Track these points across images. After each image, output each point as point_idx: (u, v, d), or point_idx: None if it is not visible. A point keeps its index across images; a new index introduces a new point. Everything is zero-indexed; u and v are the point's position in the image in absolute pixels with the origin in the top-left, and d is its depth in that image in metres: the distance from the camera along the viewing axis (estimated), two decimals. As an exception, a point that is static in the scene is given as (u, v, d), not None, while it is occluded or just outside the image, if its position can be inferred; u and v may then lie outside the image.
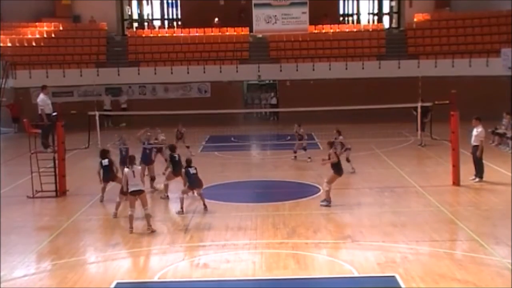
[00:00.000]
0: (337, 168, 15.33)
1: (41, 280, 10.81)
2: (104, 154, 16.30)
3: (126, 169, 13.57)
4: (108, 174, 16.21)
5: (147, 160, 17.66)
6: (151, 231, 13.27)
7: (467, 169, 17.90)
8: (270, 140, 25.79)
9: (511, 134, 22.32)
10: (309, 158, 21.13)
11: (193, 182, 15.17)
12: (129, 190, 13.41)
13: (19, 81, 34.18)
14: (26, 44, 36.32)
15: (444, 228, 13.33)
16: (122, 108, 33.96)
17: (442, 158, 20.67)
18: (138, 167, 13.81)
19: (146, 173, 17.51)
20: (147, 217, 13.44)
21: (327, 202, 15.21)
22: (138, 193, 13.40)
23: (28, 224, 14.58)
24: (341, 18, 41.21)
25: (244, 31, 37.93)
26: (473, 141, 17.62)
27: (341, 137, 19.00)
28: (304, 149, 21.63)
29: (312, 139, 23.31)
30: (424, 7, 38.66)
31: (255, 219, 14.25)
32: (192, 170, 15.23)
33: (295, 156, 21.65)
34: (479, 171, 17.62)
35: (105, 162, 16.14)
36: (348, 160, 18.94)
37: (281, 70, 35.57)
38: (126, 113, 31.74)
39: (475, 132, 17.57)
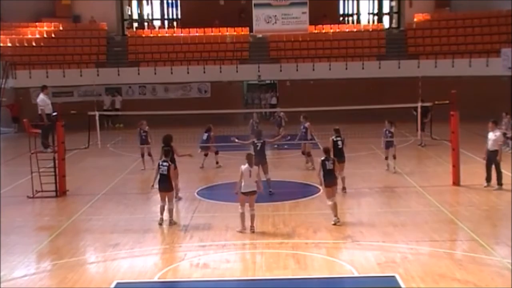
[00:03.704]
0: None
1: (41, 280, 10.81)
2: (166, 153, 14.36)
3: (243, 167, 13.10)
4: (164, 182, 13.97)
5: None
6: (252, 232, 13.06)
7: (467, 169, 17.91)
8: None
9: (511, 134, 22.29)
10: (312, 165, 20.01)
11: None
12: (243, 190, 13.11)
13: (19, 81, 34.22)
14: (26, 44, 36.35)
15: (444, 228, 13.33)
16: (115, 109, 33.98)
17: (442, 158, 20.68)
18: (255, 167, 13.28)
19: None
20: (252, 217, 13.20)
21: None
22: (252, 193, 13.17)
23: (28, 224, 14.56)
24: (341, 18, 41.26)
25: (244, 31, 37.96)
26: (491, 146, 16.60)
27: (393, 128, 19.08)
28: (308, 154, 20.31)
29: (312, 139, 23.25)
30: (424, 7, 38.69)
31: (255, 219, 14.22)
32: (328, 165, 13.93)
33: (307, 162, 20.30)
34: (499, 178, 16.61)
35: (164, 168, 13.93)
36: (394, 157, 19.11)
37: (281, 70, 35.59)
38: (127, 113, 31.66)
39: (492, 136, 16.62)
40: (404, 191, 16.89)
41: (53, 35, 37.49)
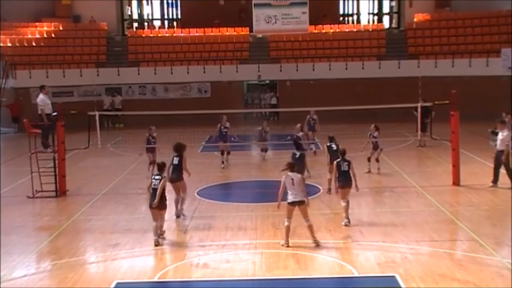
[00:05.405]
0: None
1: (41, 280, 10.81)
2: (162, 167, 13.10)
3: (284, 176, 12.15)
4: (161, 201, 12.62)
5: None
6: (316, 244, 12.05)
7: (467, 169, 17.92)
8: (270, 140, 25.79)
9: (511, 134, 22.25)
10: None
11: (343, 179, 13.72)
12: (289, 201, 12.07)
13: (19, 81, 34.21)
14: (26, 44, 36.33)
15: (444, 228, 13.33)
16: (116, 109, 33.99)
17: (442, 158, 20.68)
18: (298, 175, 12.26)
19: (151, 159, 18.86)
20: (310, 228, 12.13)
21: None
22: (299, 204, 12.08)
23: (28, 224, 14.56)
24: (341, 18, 41.26)
25: (244, 31, 37.97)
26: (499, 146, 16.50)
27: (376, 133, 19.09)
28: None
29: (312, 139, 23.27)
30: (424, 7, 38.71)
31: (255, 219, 14.25)
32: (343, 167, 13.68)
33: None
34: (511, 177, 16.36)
35: (156, 181, 12.54)
36: (377, 160, 19.16)
37: (281, 70, 35.59)
38: (126, 113, 31.75)
39: (500, 136, 16.54)
40: (404, 191, 16.88)
41: (53, 35, 37.48)
